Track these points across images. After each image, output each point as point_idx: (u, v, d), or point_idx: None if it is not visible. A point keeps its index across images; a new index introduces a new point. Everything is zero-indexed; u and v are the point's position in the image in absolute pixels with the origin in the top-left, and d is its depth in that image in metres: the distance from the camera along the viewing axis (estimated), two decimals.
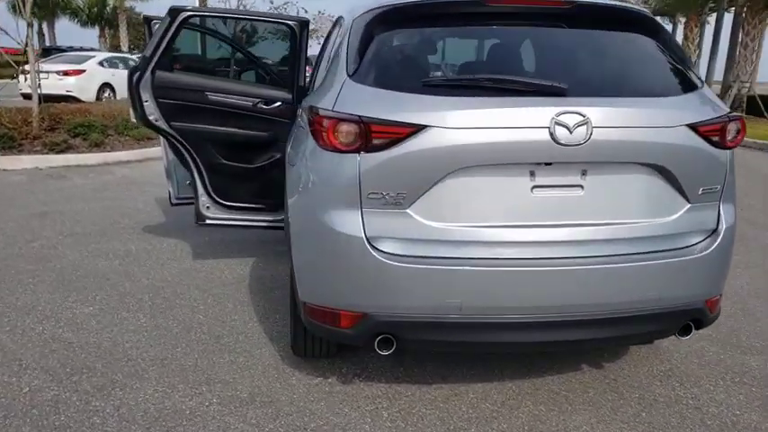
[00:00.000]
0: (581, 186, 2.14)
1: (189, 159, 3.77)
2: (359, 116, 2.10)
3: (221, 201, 3.89)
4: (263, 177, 3.88)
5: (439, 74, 2.24)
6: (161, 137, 4.29)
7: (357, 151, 2.11)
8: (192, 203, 4.60)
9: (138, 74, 3.49)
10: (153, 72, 3.49)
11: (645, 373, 2.86)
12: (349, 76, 2.25)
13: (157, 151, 8.77)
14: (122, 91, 15.86)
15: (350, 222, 2.14)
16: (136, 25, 35.46)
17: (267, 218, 4.03)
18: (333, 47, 2.82)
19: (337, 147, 2.14)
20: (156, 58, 3.46)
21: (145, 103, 3.54)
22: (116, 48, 33.82)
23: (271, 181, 3.87)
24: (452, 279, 2.09)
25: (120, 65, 17.17)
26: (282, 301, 3.63)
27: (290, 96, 3.73)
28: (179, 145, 3.71)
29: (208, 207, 3.91)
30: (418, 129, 2.04)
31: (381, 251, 2.11)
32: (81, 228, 5.11)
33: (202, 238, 4.84)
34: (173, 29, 3.42)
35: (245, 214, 3.99)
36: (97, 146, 8.40)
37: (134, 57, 20.49)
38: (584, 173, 2.13)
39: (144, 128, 9.12)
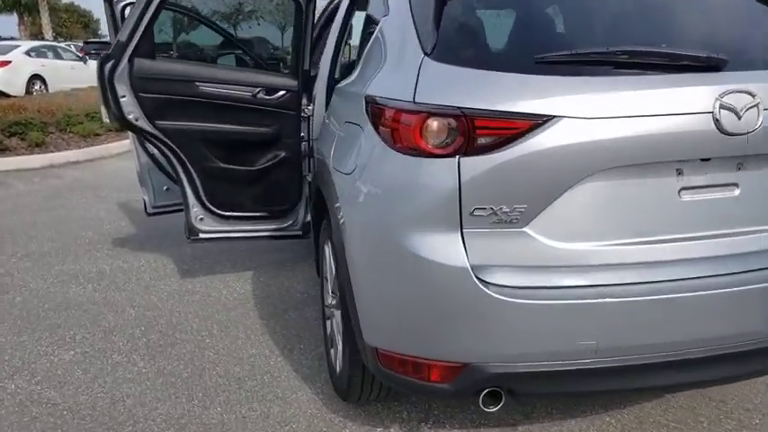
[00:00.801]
0: (736, 185, 1.70)
1: (177, 164, 3.15)
2: (458, 108, 1.59)
3: (217, 210, 3.29)
4: (267, 181, 3.31)
5: (557, 45, 1.73)
6: (131, 135, 3.65)
7: (454, 154, 1.60)
8: (171, 212, 4.02)
9: (111, 63, 2.84)
10: (131, 60, 2.85)
11: (752, 390, 2.49)
12: (426, 53, 1.73)
13: (108, 149, 7.97)
14: (54, 83, 14.63)
15: (446, 248, 1.64)
16: (58, 11, 33.23)
17: (271, 226, 3.46)
18: (373, 15, 2.29)
19: (426, 150, 1.63)
20: (134, 43, 2.82)
21: (122, 99, 2.90)
22: (37, 36, 31.55)
23: (275, 185, 3.32)
24: (586, 315, 1.62)
25: (50, 54, 15.83)
26: (301, 325, 3.10)
27: (295, 84, 3.17)
28: (164, 148, 3.09)
29: (201, 219, 3.31)
30: (543, 121, 1.55)
31: (491, 284, 1.63)
32: (37, 246, 4.38)
33: (184, 249, 4.22)
34: (153, 5, 2.79)
35: (245, 224, 3.41)
36: (38, 146, 7.52)
37: (63, 45, 19.02)
38: (739, 166, 1.69)
39: (89, 123, 8.34)
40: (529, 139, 1.56)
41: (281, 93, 3.15)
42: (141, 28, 2.81)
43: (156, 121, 2.97)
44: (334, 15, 3.27)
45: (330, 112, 2.54)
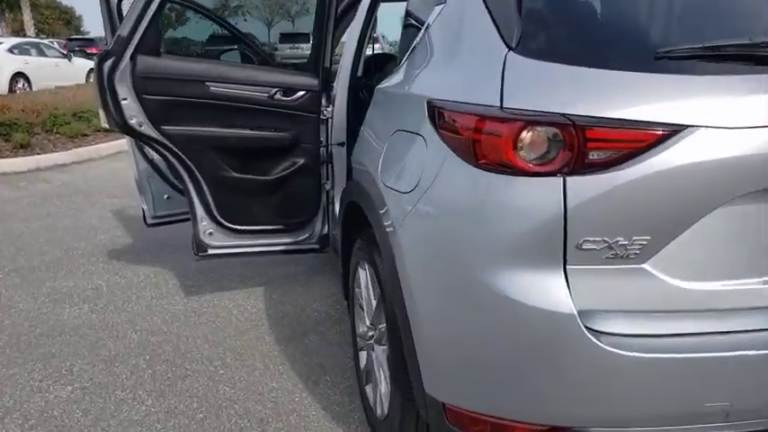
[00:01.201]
0: None
1: (184, 174, 2.82)
2: (563, 115, 1.29)
3: (229, 224, 2.97)
4: (284, 191, 2.99)
5: (686, 36, 1.41)
6: (128, 138, 3.30)
7: (558, 173, 1.30)
8: (173, 222, 3.69)
9: (110, 61, 2.50)
10: (133, 58, 2.51)
11: None
12: (510, 46, 1.42)
13: (98, 150, 7.58)
14: (38, 81, 14.12)
15: (545, 289, 1.33)
16: (40, 8, 32.46)
17: (286, 240, 3.15)
18: (420, 3, 1.99)
19: (520, 167, 1.33)
20: (137, 38, 2.48)
21: (123, 102, 2.56)
22: (18, 33, 30.81)
23: (292, 195, 3.00)
24: (719, 370, 1.33)
25: (34, 51, 15.32)
26: (324, 351, 2.80)
27: (315, 83, 2.85)
28: (171, 156, 2.75)
29: (210, 233, 2.98)
30: (673, 132, 1.25)
31: (602, 333, 1.32)
32: (26, 259, 4.02)
33: (186, 262, 3.88)
34: None
35: (258, 238, 3.09)
36: (23, 147, 7.11)
37: (47, 42, 18.48)
38: None
39: (77, 123, 7.92)
40: (655, 155, 1.25)
41: (301, 93, 2.82)
42: (145, 20, 2.48)
43: (162, 127, 2.64)
44: (353, 6, 2.95)
45: (371, 117, 2.22)
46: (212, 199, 2.87)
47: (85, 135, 7.88)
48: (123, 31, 2.49)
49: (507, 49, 1.44)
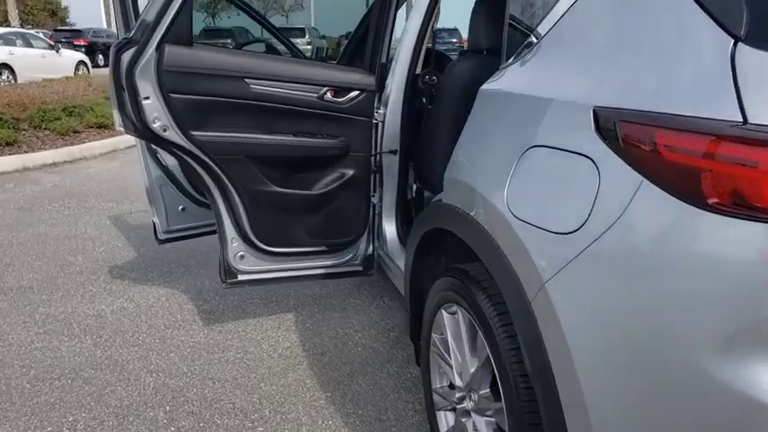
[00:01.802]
0: None
1: (213, 187, 2.35)
2: None
3: (264, 246, 2.50)
4: (330, 207, 2.54)
5: None
6: (139, 141, 2.83)
7: None
8: (187, 237, 3.24)
9: (132, 51, 2.03)
10: (160, 48, 2.04)
11: None
12: (738, 36, 0.99)
13: (91, 148, 7.04)
14: (23, 73, 13.48)
15: None
16: None
17: (326, 263, 2.70)
18: None
19: None
20: (165, 24, 2.01)
21: (144, 102, 2.08)
22: (2, 24, 29.89)
23: (339, 212, 2.56)
24: None
25: (19, 42, 14.68)
26: (378, 400, 2.35)
27: (371, 81, 2.40)
28: (199, 166, 2.28)
29: (242, 256, 2.52)
30: None
31: None
32: (15, 278, 3.52)
33: (200, 280, 3.43)
34: None
35: (296, 261, 2.64)
36: (9, 145, 6.56)
37: (33, 32, 17.78)
38: None
39: (67, 119, 7.35)
40: None
41: (355, 93, 2.37)
42: (176, 2, 2.00)
43: (192, 132, 2.16)
44: None
45: (478, 126, 1.73)
46: (247, 217, 2.41)
47: (77, 132, 7.35)
48: (149, 14, 2.01)
49: (733, 40, 1.00)
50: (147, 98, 2.08)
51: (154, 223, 3.15)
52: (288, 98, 2.26)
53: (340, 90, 2.34)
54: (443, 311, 1.83)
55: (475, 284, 1.59)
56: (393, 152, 2.57)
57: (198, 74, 2.10)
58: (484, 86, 1.69)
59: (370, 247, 2.76)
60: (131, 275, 3.55)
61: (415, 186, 2.81)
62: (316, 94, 2.30)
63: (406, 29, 2.50)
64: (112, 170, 6.28)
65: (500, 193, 1.40)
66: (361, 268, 2.79)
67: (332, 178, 2.48)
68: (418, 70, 2.52)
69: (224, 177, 2.30)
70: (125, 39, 2.06)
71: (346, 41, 3.52)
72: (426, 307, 1.97)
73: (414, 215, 2.83)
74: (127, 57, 2.03)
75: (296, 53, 3.45)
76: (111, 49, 2.08)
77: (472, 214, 1.52)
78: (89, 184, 5.67)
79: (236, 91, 2.17)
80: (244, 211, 2.39)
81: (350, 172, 2.48)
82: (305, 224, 2.51)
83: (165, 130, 2.14)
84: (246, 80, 2.17)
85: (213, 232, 3.29)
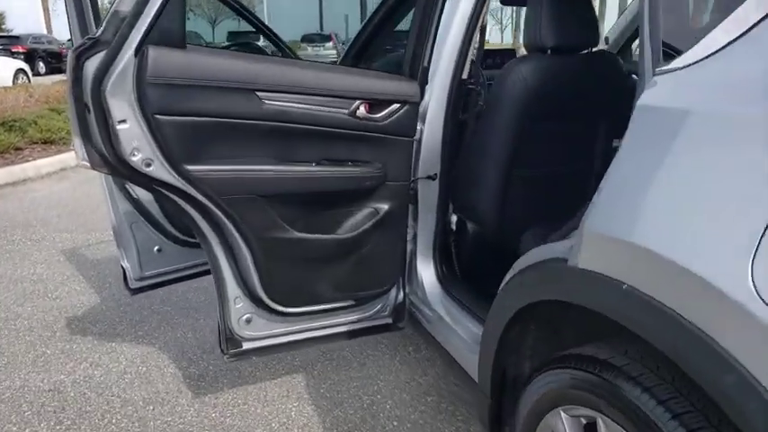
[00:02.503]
0: None
1: (211, 235, 1.78)
2: None
3: (280, 307, 1.95)
4: (360, 252, 2.00)
5: None
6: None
7: None
8: (165, 284, 2.67)
9: (102, 56, 1.44)
10: (141, 50, 1.45)
11: None
12: None
13: (36, 168, 6.24)
14: None
15: None
16: None
17: (351, 318, 2.17)
18: None
19: None
20: (150, 17, 1.42)
21: (120, 127, 1.49)
22: None
23: (371, 257, 2.03)
24: None
25: None
26: None
27: (414, 90, 1.88)
28: (193, 210, 1.71)
29: (248, 320, 1.95)
30: None
31: None
32: None
33: (182, 333, 2.83)
34: None
35: (315, 320, 2.09)
36: None
37: None
38: None
39: (6, 135, 6.49)
40: None
41: (395, 106, 1.83)
42: None
43: (187, 167, 1.58)
44: None
45: (680, 159, 1.13)
46: (257, 271, 1.84)
47: (19, 149, 6.54)
48: (123, 3, 1.43)
49: None
50: (124, 122, 1.49)
51: (123, 269, 2.55)
52: (312, 116, 1.70)
53: (376, 103, 1.80)
54: (561, 413, 1.32)
55: (639, 389, 1.08)
56: (431, 177, 2.06)
57: (195, 86, 1.52)
58: (648, 101, 1.15)
59: (401, 294, 2.24)
60: (95, 329, 2.91)
61: (455, 218, 2.29)
62: (346, 110, 1.75)
63: (447, 21, 1.98)
64: (63, 192, 5.55)
65: (736, 268, 0.88)
66: (390, 320, 2.27)
67: (364, 216, 1.94)
68: (464, 74, 1.99)
69: (227, 223, 1.73)
70: (90, 39, 1.47)
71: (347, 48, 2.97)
72: (523, 403, 1.45)
73: (453, 252, 2.31)
74: (93, 64, 1.44)
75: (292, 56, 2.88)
76: (70, 54, 1.49)
77: (659, 298, 1.00)
78: (36, 211, 4.94)
79: (246, 108, 1.60)
80: (253, 263, 1.82)
81: (385, 206, 1.95)
82: (331, 276, 1.96)
83: (148, 165, 1.55)
84: (258, 93, 1.61)
85: (197, 275, 2.73)
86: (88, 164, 1.61)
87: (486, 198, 2.15)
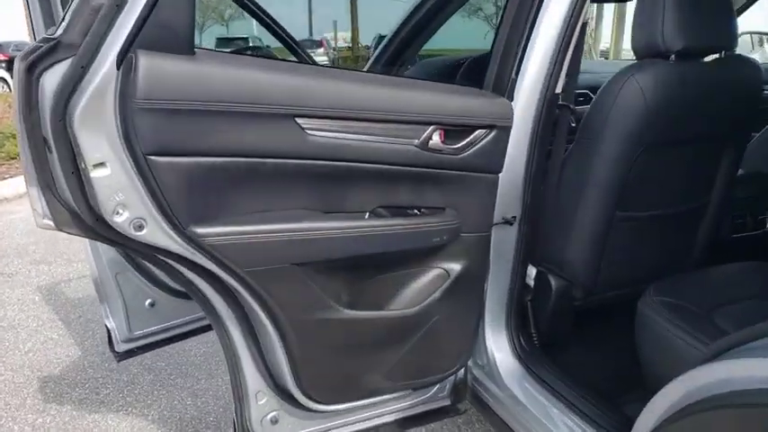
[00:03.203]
0: None
1: (227, 314, 1.28)
2: None
3: (318, 405, 1.44)
4: (424, 331, 1.49)
5: None
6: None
7: None
8: (162, 345, 2.19)
9: (66, 67, 0.94)
10: (125, 57, 0.94)
11: None
12: None
13: (15, 185, 5.68)
14: None
15: None
16: None
17: (402, 405, 1.68)
18: None
19: None
20: (139, 9, 0.92)
21: (95, 173, 0.98)
22: None
23: (437, 335, 1.53)
24: None
25: None
26: None
27: (507, 110, 1.38)
28: (203, 282, 1.20)
29: (275, 420, 1.45)
30: None
31: None
32: None
33: (175, 396, 2.33)
34: None
35: (358, 413, 1.59)
36: None
37: None
38: None
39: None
40: None
41: (479, 133, 1.33)
42: None
43: (197, 229, 1.07)
44: None
45: None
46: (289, 359, 1.33)
47: None
48: None
49: None
50: (102, 165, 0.99)
51: (108, 329, 2.06)
52: (372, 151, 1.20)
53: (453, 129, 1.30)
54: None
55: None
56: (509, 221, 1.57)
57: (210, 112, 1.01)
58: None
59: (462, 369, 1.74)
60: (74, 395, 2.40)
61: (533, 271, 1.79)
62: (416, 140, 1.25)
63: (537, 20, 1.49)
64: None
65: None
66: (449, 402, 1.77)
67: (431, 281, 1.44)
68: (558, 88, 1.50)
69: (251, 300, 1.22)
70: (47, 40, 0.96)
71: (378, 49, 2.47)
72: None
73: (531, 314, 1.81)
74: (53, 80, 0.94)
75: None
76: (17, 63, 0.98)
77: None
78: (11, 237, 4.40)
79: (284, 143, 1.09)
80: (284, 349, 1.32)
81: (458, 266, 1.45)
82: (385, 363, 1.46)
83: (139, 228, 1.05)
84: (299, 121, 1.10)
85: (198, 332, 2.23)
86: (52, 223, 1.11)
87: (579, 246, 1.67)
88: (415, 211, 1.34)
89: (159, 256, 1.15)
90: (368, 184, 1.26)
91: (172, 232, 1.05)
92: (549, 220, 1.67)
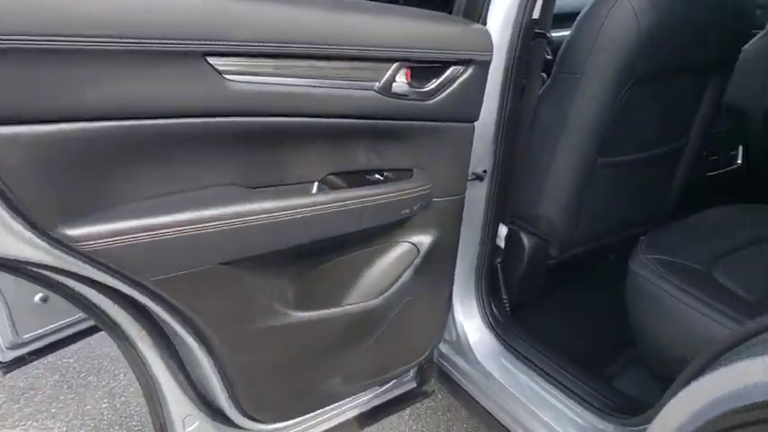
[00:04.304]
0: None
1: (132, 325, 0.96)
2: None
3: (262, 426, 1.15)
4: (391, 320, 1.22)
5: None
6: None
7: None
8: (59, 347, 1.86)
9: None
10: None
11: None
12: None
13: None
14: None
15: None
16: None
17: (360, 400, 1.42)
18: None
19: None
20: None
21: None
22: None
23: (406, 322, 1.27)
24: None
25: None
26: None
27: (487, 39, 1.10)
28: (99, 296, 0.86)
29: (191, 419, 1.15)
30: None
31: None
32: None
33: (93, 402, 1.98)
34: None
35: (313, 419, 1.32)
36: None
37: None
38: None
39: None
40: None
41: (453, 70, 1.03)
42: None
43: (68, 231, 0.72)
44: None
45: None
46: (223, 379, 1.03)
47: None
48: None
49: None
50: None
51: None
52: (317, 101, 0.87)
53: (422, 68, 0.99)
54: None
55: None
56: (479, 177, 1.30)
57: (61, 51, 0.64)
58: None
59: None
60: None
61: (504, 230, 1.54)
62: (376, 83, 0.93)
63: None
64: None
65: None
66: (414, 384, 1.54)
67: (398, 260, 1.15)
68: (536, 14, 1.21)
69: (165, 315, 0.89)
70: None
71: None
72: None
73: (501, 278, 1.57)
74: None
75: None
76: None
77: None
78: None
79: (192, 93, 0.75)
80: (215, 369, 1.01)
81: (429, 238, 1.18)
82: (345, 365, 1.18)
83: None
84: (212, 60, 0.75)
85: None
86: None
87: (555, 199, 1.44)
88: (377, 176, 1.03)
89: (24, 269, 0.79)
90: (313, 146, 0.94)
91: (32, 235, 0.70)
92: (523, 171, 1.41)
